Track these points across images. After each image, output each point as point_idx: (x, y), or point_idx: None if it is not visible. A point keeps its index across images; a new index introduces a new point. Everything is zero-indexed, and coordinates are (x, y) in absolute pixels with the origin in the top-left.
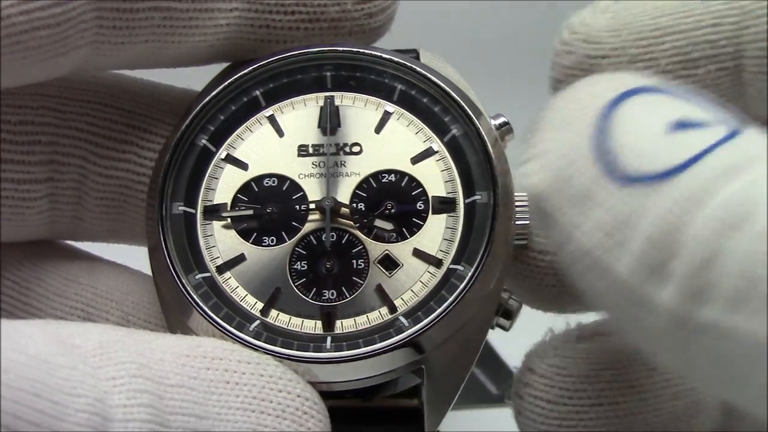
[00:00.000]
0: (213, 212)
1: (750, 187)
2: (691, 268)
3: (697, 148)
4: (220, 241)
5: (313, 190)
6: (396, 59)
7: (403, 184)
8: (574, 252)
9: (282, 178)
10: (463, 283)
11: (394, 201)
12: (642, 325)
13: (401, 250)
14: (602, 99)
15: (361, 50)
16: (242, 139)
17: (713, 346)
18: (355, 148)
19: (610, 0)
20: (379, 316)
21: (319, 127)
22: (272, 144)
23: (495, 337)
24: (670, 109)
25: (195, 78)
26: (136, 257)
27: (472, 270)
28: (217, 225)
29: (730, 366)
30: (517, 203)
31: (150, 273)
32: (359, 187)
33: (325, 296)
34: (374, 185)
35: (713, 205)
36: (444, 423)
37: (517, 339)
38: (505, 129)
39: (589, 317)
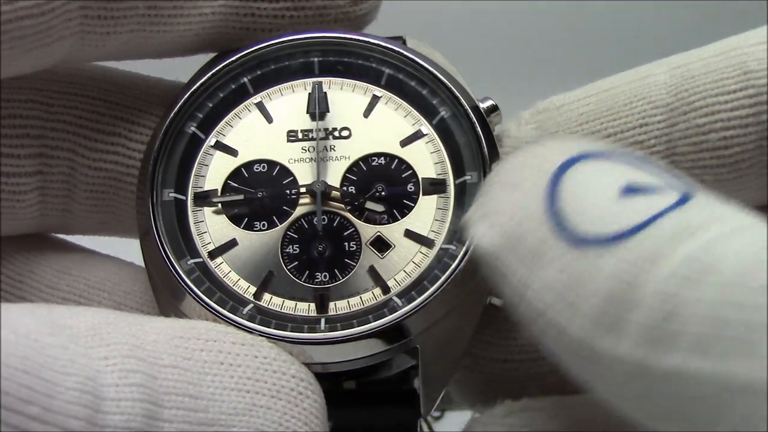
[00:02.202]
0: (203, 198)
1: (709, 245)
2: (650, 320)
3: (650, 212)
4: (212, 227)
5: (304, 175)
6: (383, 44)
7: (393, 167)
8: (528, 312)
9: (272, 164)
10: (455, 262)
11: (385, 183)
12: (603, 378)
13: (393, 232)
14: (553, 162)
15: (349, 36)
16: (231, 126)
17: (679, 392)
18: (345, 133)
19: (531, 110)
20: (372, 297)
21: (307, 112)
22: (261, 130)
23: None
24: (621, 174)
25: (183, 70)
26: (127, 250)
27: (464, 249)
28: (207, 211)
29: (697, 410)
30: None
31: (141, 264)
32: (349, 170)
33: (317, 279)
34: (364, 168)
35: (673, 262)
36: (444, 423)
37: None
38: (493, 111)
39: None
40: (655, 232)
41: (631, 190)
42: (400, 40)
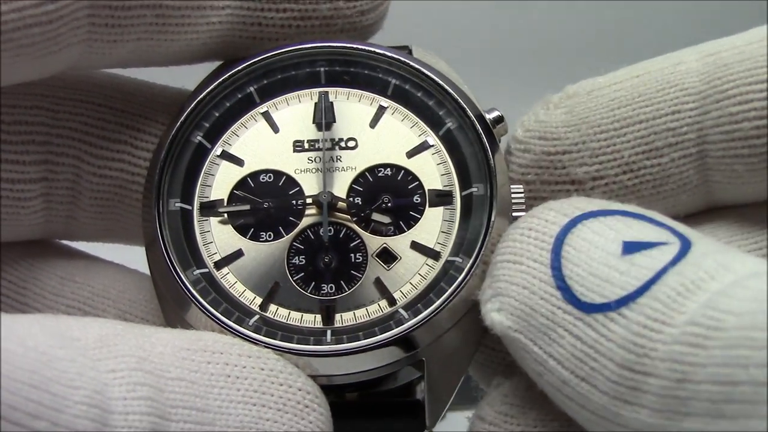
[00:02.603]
0: (209, 208)
1: (712, 302)
2: (664, 390)
3: (653, 269)
4: (218, 237)
5: (310, 185)
6: (389, 54)
7: (399, 178)
8: (552, 382)
9: (278, 174)
10: (462, 275)
11: (391, 195)
12: None
13: (399, 243)
14: (555, 226)
15: (355, 45)
16: (237, 136)
17: None
18: (351, 143)
19: (560, 94)
20: (378, 308)
21: (313, 122)
22: (267, 140)
23: None
24: (620, 231)
25: (189, 77)
26: (132, 258)
27: (471, 261)
28: (213, 221)
29: None
30: (513, 194)
31: (146, 271)
32: (356, 181)
33: (324, 290)
34: (370, 179)
35: (678, 325)
36: (444, 423)
37: None
38: (499, 122)
39: None
40: (659, 292)
41: (632, 247)
42: (407, 49)
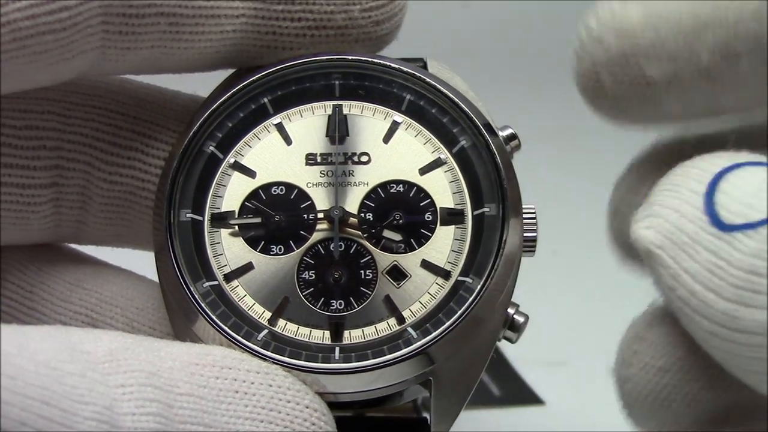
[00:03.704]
0: (221, 220)
1: None
2: None
3: None
4: (228, 249)
5: (321, 199)
6: (405, 69)
7: (411, 195)
8: (682, 295)
9: (290, 187)
10: (473, 296)
11: (402, 211)
12: (743, 351)
13: (409, 261)
14: (717, 167)
15: (370, 59)
16: (250, 147)
17: None
18: (364, 158)
19: None
20: (387, 327)
21: (327, 135)
22: (280, 152)
23: None
24: None
25: (201, 83)
26: (141, 263)
27: (481, 283)
28: (224, 233)
29: None
30: (525, 215)
31: (154, 277)
32: (367, 197)
33: (333, 306)
34: (382, 195)
35: None
36: None
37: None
38: (512, 140)
39: None
40: None
41: None
42: (421, 62)
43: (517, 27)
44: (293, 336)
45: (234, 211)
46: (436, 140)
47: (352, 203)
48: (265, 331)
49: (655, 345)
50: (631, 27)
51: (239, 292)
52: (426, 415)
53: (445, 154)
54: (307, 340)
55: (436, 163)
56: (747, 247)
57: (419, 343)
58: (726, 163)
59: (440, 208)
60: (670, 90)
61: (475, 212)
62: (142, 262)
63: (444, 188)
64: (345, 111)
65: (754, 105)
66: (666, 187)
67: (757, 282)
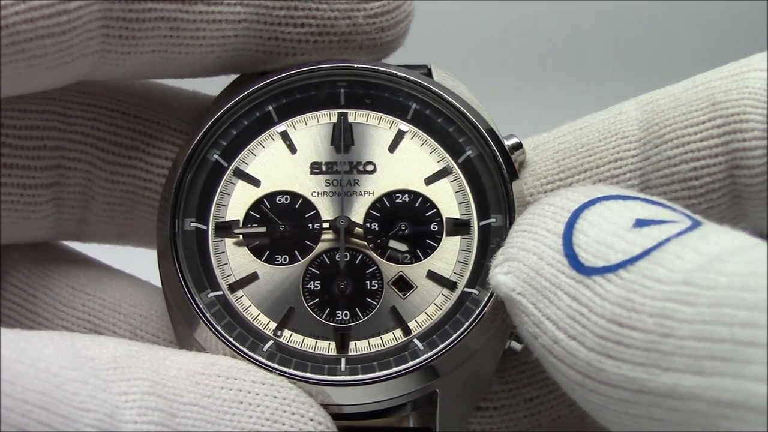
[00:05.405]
0: (225, 229)
1: (708, 264)
2: (648, 343)
3: (659, 238)
4: (232, 259)
5: (327, 209)
6: (411, 77)
7: (416, 205)
8: (545, 343)
9: (295, 196)
10: (479, 308)
11: (408, 222)
12: (609, 402)
13: (415, 272)
14: (574, 203)
15: (376, 67)
16: (254, 155)
17: (676, 408)
18: (369, 167)
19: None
20: (393, 338)
21: (332, 144)
22: (284, 160)
23: None
24: (635, 210)
25: (201, 83)
26: (144, 264)
27: (488, 295)
28: (229, 242)
29: (693, 426)
30: None
31: (157, 281)
32: (373, 206)
33: (338, 317)
34: (388, 205)
35: (672, 283)
36: None
37: None
38: (517, 149)
39: None
40: (659, 255)
41: (643, 223)
42: (425, 69)
43: (517, 27)
44: (298, 347)
45: (238, 220)
46: (442, 150)
47: (358, 213)
48: (271, 342)
49: None
50: None
51: (244, 303)
52: (432, 427)
53: (451, 163)
54: (312, 351)
55: (442, 173)
56: (608, 293)
57: (426, 356)
58: (582, 198)
59: (446, 218)
60: None
61: (482, 223)
62: (142, 262)
63: (450, 198)
64: (350, 119)
65: None
66: (522, 227)
67: (619, 332)
